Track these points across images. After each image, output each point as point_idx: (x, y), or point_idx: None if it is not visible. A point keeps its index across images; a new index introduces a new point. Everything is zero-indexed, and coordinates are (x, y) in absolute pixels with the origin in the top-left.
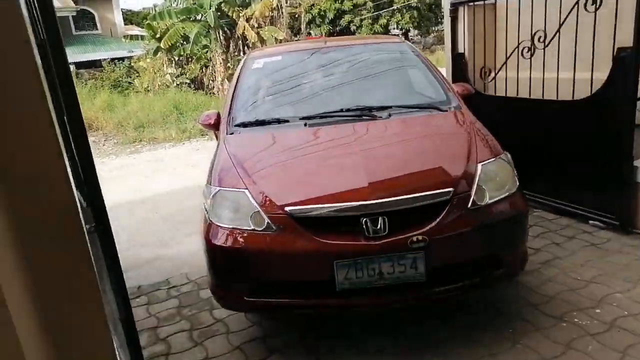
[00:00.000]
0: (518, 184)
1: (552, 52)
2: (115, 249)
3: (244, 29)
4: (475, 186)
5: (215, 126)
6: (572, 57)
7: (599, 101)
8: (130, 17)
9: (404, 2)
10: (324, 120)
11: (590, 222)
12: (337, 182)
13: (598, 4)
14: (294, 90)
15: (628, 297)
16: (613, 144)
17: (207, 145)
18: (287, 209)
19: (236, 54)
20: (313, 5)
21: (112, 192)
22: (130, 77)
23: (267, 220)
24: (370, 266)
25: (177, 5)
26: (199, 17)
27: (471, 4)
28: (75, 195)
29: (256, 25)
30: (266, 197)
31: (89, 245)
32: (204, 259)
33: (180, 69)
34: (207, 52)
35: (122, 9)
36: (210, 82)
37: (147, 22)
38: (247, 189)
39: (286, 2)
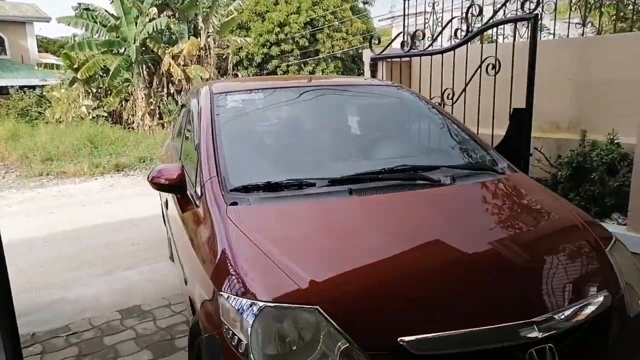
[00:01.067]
0: None
1: (460, 108)
2: (9, 290)
3: (170, 66)
4: (622, 283)
5: (178, 187)
6: (476, 114)
7: None
8: (45, 45)
9: (329, 53)
10: (369, 185)
11: None
12: (465, 291)
13: (497, 69)
14: (299, 140)
15: None
16: None
17: (121, 182)
18: (404, 340)
19: (159, 90)
20: (241, 48)
21: (10, 228)
22: (41, 107)
23: None
24: None
25: (98, 37)
26: (121, 50)
27: (389, 59)
28: None
29: (182, 63)
30: (358, 319)
31: None
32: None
33: (97, 101)
34: (128, 86)
35: (37, 36)
36: (130, 116)
37: (65, 51)
38: (317, 304)
39: (214, 43)
